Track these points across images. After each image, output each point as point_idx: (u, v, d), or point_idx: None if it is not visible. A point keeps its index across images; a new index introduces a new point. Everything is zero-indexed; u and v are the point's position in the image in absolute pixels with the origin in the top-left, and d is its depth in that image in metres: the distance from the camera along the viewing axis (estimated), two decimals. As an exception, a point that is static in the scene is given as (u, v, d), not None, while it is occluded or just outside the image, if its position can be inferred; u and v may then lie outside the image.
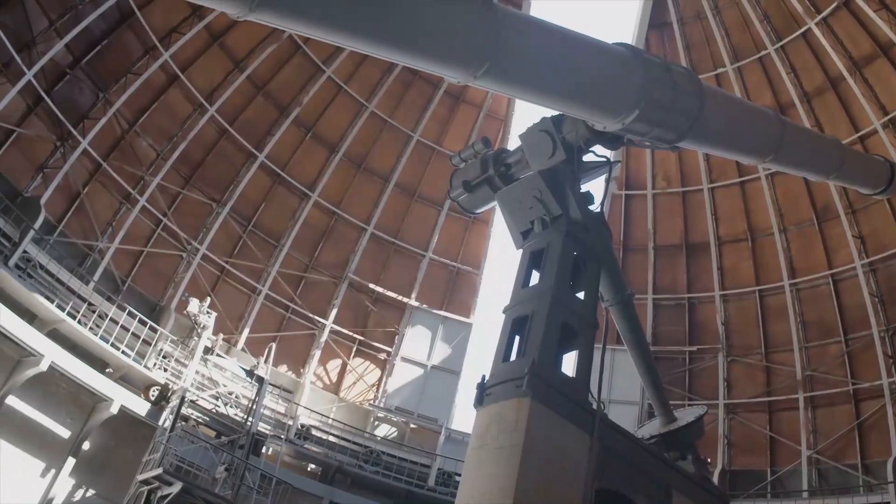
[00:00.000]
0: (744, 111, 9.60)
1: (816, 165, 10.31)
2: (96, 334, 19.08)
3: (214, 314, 21.57)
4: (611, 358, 25.10)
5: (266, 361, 22.54)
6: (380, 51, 6.24)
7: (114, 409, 18.62)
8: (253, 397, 21.67)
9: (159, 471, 17.07)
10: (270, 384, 22.95)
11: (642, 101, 7.57)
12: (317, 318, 26.40)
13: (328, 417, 24.95)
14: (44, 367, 17.25)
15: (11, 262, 17.97)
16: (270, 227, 26.19)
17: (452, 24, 6.28)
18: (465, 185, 8.90)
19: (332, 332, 26.56)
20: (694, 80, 8.36)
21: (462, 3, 6.34)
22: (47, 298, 18.35)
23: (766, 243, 25.94)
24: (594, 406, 7.19)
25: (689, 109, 8.05)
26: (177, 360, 21.03)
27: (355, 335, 27.03)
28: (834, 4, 22.79)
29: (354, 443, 24.45)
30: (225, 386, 21.97)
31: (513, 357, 7.22)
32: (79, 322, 18.81)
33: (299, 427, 23.65)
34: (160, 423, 19.31)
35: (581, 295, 7.87)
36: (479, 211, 9.63)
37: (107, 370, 19.31)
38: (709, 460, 11.12)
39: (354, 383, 26.83)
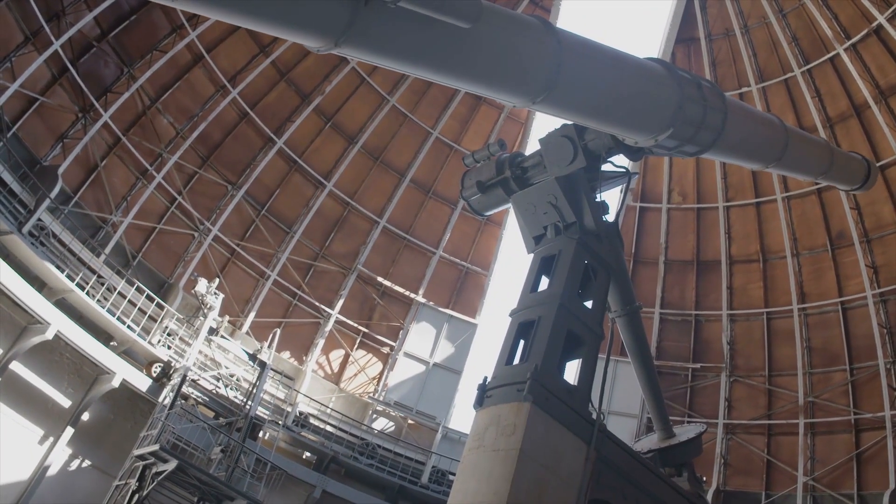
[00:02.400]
0: (758, 122, 9.67)
1: (811, 168, 10.59)
2: (103, 307, 19.18)
3: (222, 296, 21.67)
4: (613, 369, 25.15)
5: (269, 346, 22.63)
6: (448, 80, 6.37)
7: (115, 383, 18.73)
8: (254, 381, 21.74)
9: (156, 447, 17.14)
10: (272, 369, 23.03)
11: (677, 119, 7.65)
12: (323, 307, 26.46)
13: (327, 407, 25.01)
14: (49, 335, 17.37)
15: (25, 229, 18.09)
16: (283, 213, 26.26)
17: (520, 55, 6.40)
18: (479, 185, 8.86)
19: (337, 322, 26.62)
20: (719, 95, 8.38)
21: (528, 32, 6.44)
22: (58, 268, 18.48)
23: (777, 266, 25.81)
24: (594, 416, 7.19)
25: (715, 125, 8.09)
26: (181, 339, 21.13)
27: (360, 327, 27.08)
28: (864, 31, 22.66)
29: (351, 434, 24.50)
30: (227, 368, 22.05)
31: (516, 361, 7.23)
32: (87, 293, 18.92)
33: (297, 414, 23.71)
34: (160, 399, 19.40)
35: (589, 304, 7.86)
36: (488, 213, 9.61)
37: (111, 343, 19.42)
38: (704, 479, 11.07)
39: (355, 375, 26.87)
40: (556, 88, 6.58)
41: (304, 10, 5.02)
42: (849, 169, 11.13)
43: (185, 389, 19.82)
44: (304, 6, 5.01)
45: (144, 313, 20.45)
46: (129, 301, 20.07)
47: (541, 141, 8.59)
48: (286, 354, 25.64)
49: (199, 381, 21.01)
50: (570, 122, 8.51)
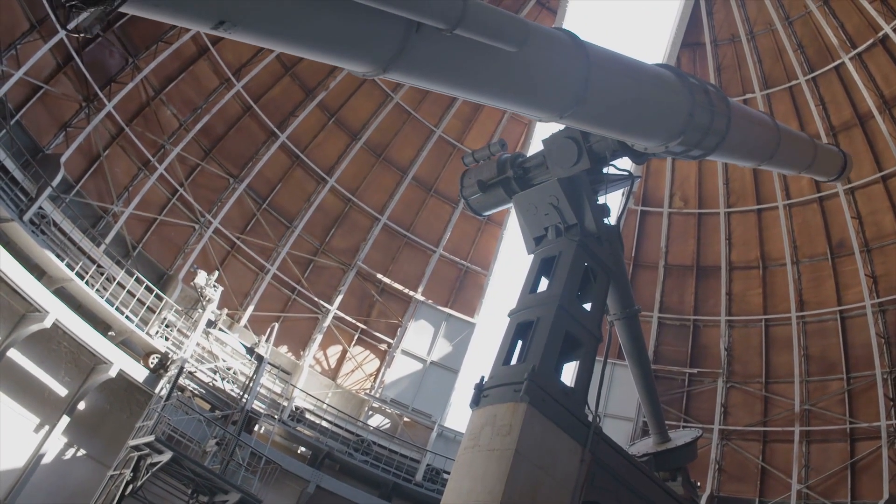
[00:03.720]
0: (756, 124, 9.80)
1: (798, 164, 10.85)
2: (102, 297, 19.17)
3: (221, 288, 21.64)
4: (610, 372, 25.13)
5: (267, 340, 22.60)
6: (485, 100, 6.73)
7: (112, 373, 18.72)
8: (251, 375, 21.74)
9: (151, 438, 17.12)
10: (269, 363, 23.02)
11: (688, 127, 7.75)
12: (322, 302, 26.45)
13: (323, 402, 25.00)
14: (47, 323, 17.35)
15: (26, 217, 18.07)
16: (284, 208, 26.24)
17: (555, 74, 6.61)
18: (480, 184, 8.85)
19: (336, 317, 26.61)
20: (724, 100, 8.44)
21: (562, 50, 6.62)
22: (58, 256, 18.46)
23: (777, 273, 25.81)
24: (590, 418, 7.19)
25: (720, 130, 8.17)
26: (179, 331, 21.11)
27: (358, 323, 27.07)
28: (870, 41, 22.66)
29: (347, 430, 24.50)
30: (224, 361, 22.04)
31: (513, 361, 7.23)
32: (86, 283, 18.90)
33: (293, 409, 23.71)
34: (157, 390, 19.39)
35: (588, 306, 7.86)
36: (487, 213, 9.60)
37: (109, 333, 19.41)
38: (698, 484, 11.10)
39: (353, 371, 26.87)
40: (584, 103, 6.70)
41: (357, 40, 5.22)
42: (829, 162, 11.38)
43: (181, 381, 19.81)
44: (357, 36, 5.20)
45: (143, 304, 20.44)
46: (128, 292, 20.05)
47: (544, 141, 8.58)
48: (284, 349, 25.63)
49: (196, 374, 21.00)
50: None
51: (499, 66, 5.97)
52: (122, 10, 4.16)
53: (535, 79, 6.47)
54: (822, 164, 11.10)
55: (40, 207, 18.79)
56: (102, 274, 19.78)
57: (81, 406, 19.09)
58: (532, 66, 6.30)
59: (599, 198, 8.47)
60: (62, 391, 18.79)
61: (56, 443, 18.62)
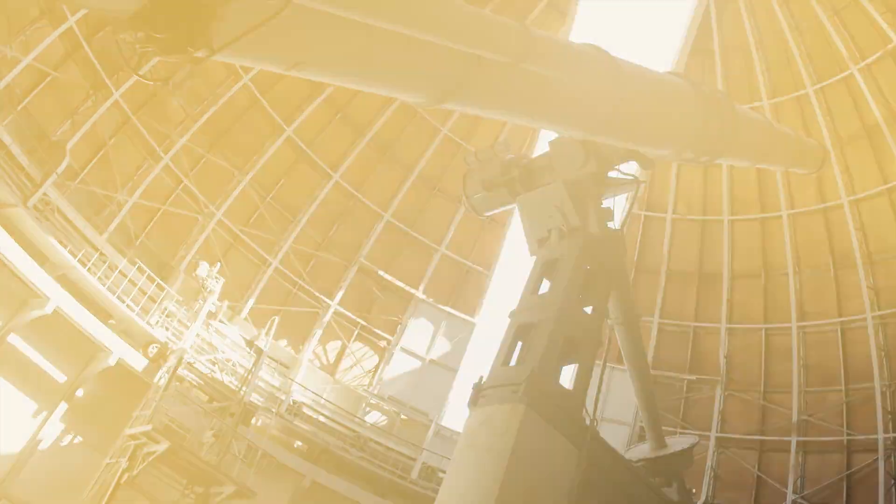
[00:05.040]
0: (756, 127, 9.84)
1: (787, 161, 10.97)
2: (104, 285, 19.20)
3: (222, 280, 21.63)
4: (608, 377, 25.04)
5: (267, 334, 22.61)
6: (530, 122, 6.94)
7: (111, 361, 18.77)
8: (250, 367, 21.75)
9: (148, 427, 17.15)
10: (269, 357, 23.03)
11: (701, 136, 7.83)
12: (323, 297, 26.44)
13: (321, 397, 25.00)
14: (48, 310, 17.41)
15: (30, 203, 18.11)
16: (288, 202, 26.22)
17: (595, 96, 6.78)
18: (484, 184, 8.82)
19: (336, 313, 26.60)
20: (731, 107, 8.46)
21: (600, 71, 6.74)
22: (60, 243, 18.49)
23: (779, 282, 25.75)
24: (587, 422, 7.17)
25: (727, 136, 8.20)
26: (179, 321, 21.13)
27: (358, 319, 27.05)
28: (879, 52, 22.60)
29: (344, 426, 24.49)
30: (223, 352, 22.05)
31: (513, 362, 7.22)
32: (88, 271, 18.93)
33: (291, 403, 23.71)
34: (155, 380, 19.40)
35: (589, 310, 7.85)
36: (489, 213, 9.55)
37: (109, 321, 19.43)
38: (694, 491, 11.07)
39: (351, 367, 26.87)
40: (615, 120, 6.79)
41: (420, 75, 5.41)
42: (812, 156, 11.48)
43: (180, 371, 19.82)
44: (421, 71, 5.38)
45: (144, 294, 20.46)
46: (130, 281, 20.08)
47: (551, 143, 8.56)
48: (283, 343, 25.63)
49: (195, 364, 21.01)
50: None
51: (549, 93, 6.13)
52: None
53: (579, 102, 6.62)
54: (807, 159, 11.23)
55: (45, 194, 18.82)
56: (105, 262, 19.80)
57: (79, 393, 19.13)
58: (577, 91, 6.45)
59: (604, 202, 8.46)
60: (61, 378, 18.83)
61: (53, 429, 18.66)
